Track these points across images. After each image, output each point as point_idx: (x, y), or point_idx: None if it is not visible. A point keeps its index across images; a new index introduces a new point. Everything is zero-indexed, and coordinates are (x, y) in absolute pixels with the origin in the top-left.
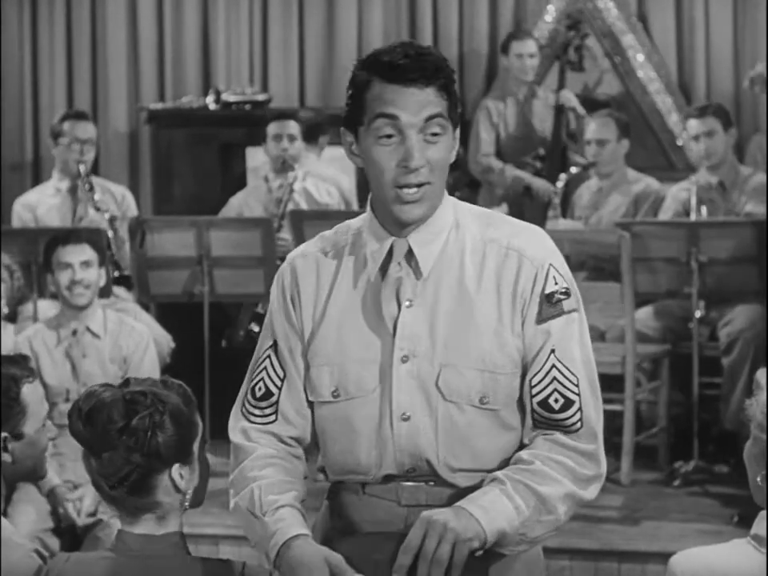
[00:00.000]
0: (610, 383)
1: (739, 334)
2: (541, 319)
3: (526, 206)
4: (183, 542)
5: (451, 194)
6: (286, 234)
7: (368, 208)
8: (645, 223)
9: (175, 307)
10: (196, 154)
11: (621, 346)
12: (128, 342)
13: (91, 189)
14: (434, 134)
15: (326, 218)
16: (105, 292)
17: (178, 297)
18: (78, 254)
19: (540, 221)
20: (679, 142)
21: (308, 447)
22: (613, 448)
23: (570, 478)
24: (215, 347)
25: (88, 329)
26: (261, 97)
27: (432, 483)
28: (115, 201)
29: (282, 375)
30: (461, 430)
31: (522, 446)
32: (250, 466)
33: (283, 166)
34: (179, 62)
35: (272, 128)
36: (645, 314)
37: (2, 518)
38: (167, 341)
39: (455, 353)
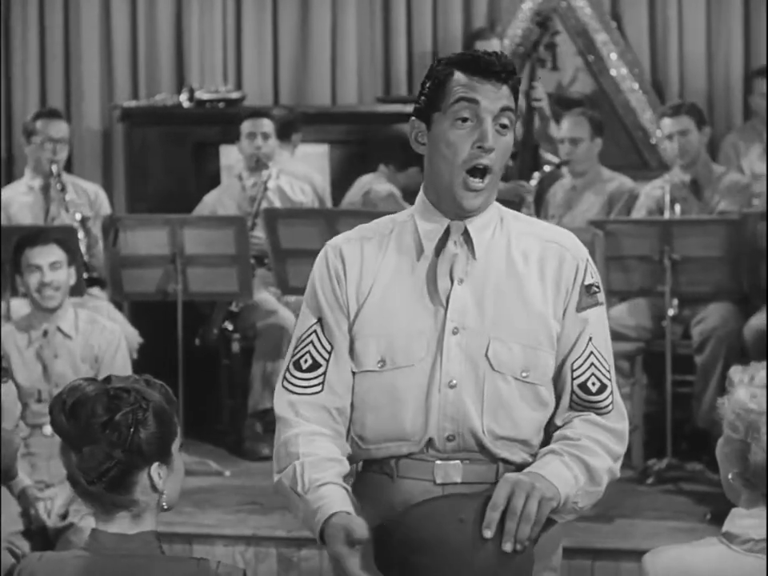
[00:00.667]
0: None
1: (712, 332)
2: (581, 308)
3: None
4: (158, 541)
5: None
6: (259, 233)
7: (418, 199)
8: (618, 221)
9: (149, 306)
10: (170, 152)
11: None
12: (100, 341)
13: (63, 189)
14: (504, 126)
15: (299, 215)
16: (77, 290)
17: (152, 295)
18: (46, 256)
19: None
20: (653, 141)
21: (347, 421)
22: None
23: (608, 455)
24: (189, 346)
25: (59, 329)
26: (234, 95)
27: (467, 462)
28: (88, 199)
29: (329, 348)
30: (504, 399)
31: (555, 428)
32: (294, 442)
33: (257, 164)
34: (153, 59)
35: (246, 126)
36: (619, 312)
37: None
38: (135, 337)
39: (503, 327)
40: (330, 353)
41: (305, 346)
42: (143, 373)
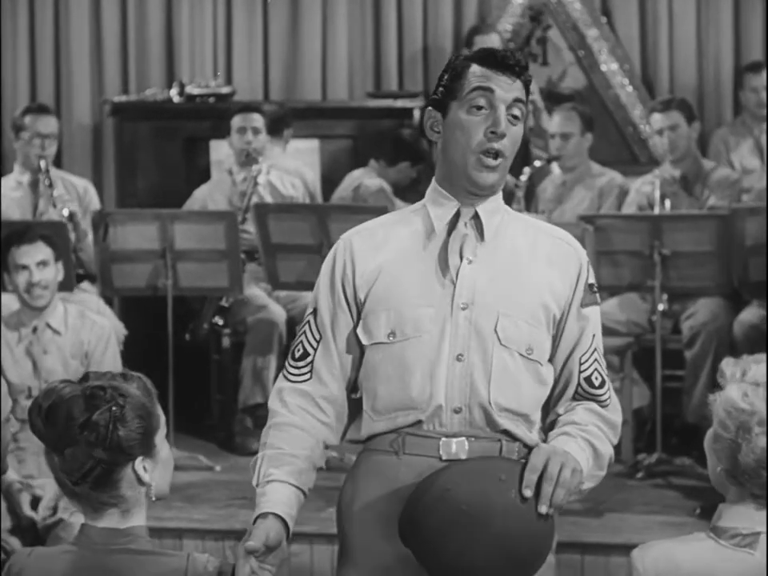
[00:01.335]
0: None
1: (702, 327)
2: (584, 304)
3: None
4: (148, 536)
5: (416, 187)
6: (250, 227)
7: (430, 189)
8: (608, 216)
9: (139, 301)
10: (160, 147)
11: None
12: (89, 336)
13: (51, 185)
14: (515, 117)
15: (290, 210)
16: (67, 285)
17: (142, 290)
18: (34, 255)
19: None
20: (643, 136)
21: (341, 408)
22: None
23: (609, 443)
24: (179, 341)
25: (48, 325)
26: (225, 90)
27: (472, 439)
28: (77, 194)
29: (318, 338)
30: (511, 373)
31: (556, 415)
32: (266, 433)
33: (247, 158)
34: (143, 54)
35: (236, 121)
36: (609, 307)
37: None
38: (119, 329)
39: (510, 304)
40: (318, 342)
41: (300, 336)
42: (133, 367)
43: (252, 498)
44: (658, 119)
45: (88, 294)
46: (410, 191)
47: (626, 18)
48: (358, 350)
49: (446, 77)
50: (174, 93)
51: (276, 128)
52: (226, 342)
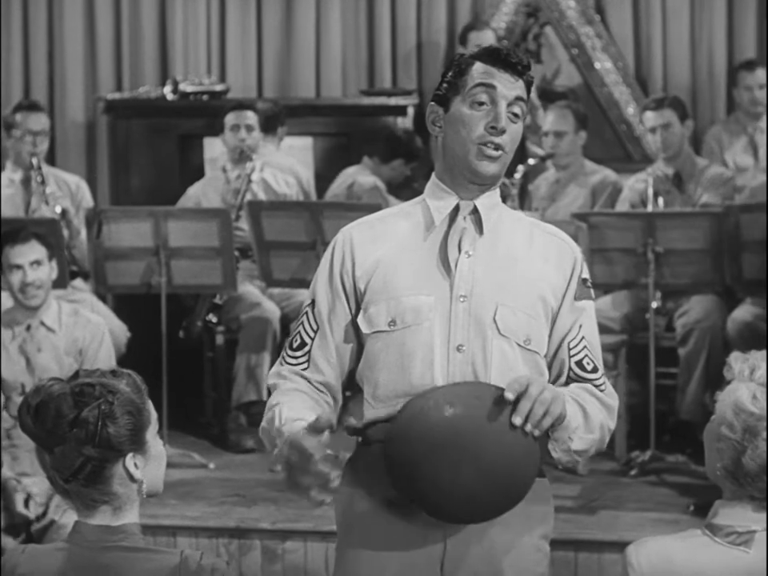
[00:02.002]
0: None
1: (695, 325)
2: (578, 297)
3: None
4: (141, 533)
5: (410, 184)
6: (243, 225)
7: (429, 183)
8: (602, 214)
9: (132, 298)
10: (154, 145)
11: None
12: (83, 333)
13: (43, 182)
14: (515, 114)
15: (284, 208)
16: (61, 283)
17: (136, 287)
18: (27, 254)
19: None
20: (636, 134)
21: (336, 396)
22: None
23: (602, 414)
24: (172, 338)
25: (42, 323)
26: (219, 87)
27: None
28: (70, 191)
29: (315, 328)
30: (509, 362)
31: None
32: (275, 398)
33: (241, 156)
34: (137, 51)
35: (230, 118)
36: (602, 304)
37: None
38: (123, 331)
39: (509, 295)
40: (315, 332)
41: (298, 326)
42: (127, 365)
43: (246, 496)
44: (650, 117)
45: (84, 293)
46: (404, 188)
47: (619, 16)
48: (355, 340)
49: (449, 73)
50: (167, 90)
51: (270, 125)
52: (219, 339)
